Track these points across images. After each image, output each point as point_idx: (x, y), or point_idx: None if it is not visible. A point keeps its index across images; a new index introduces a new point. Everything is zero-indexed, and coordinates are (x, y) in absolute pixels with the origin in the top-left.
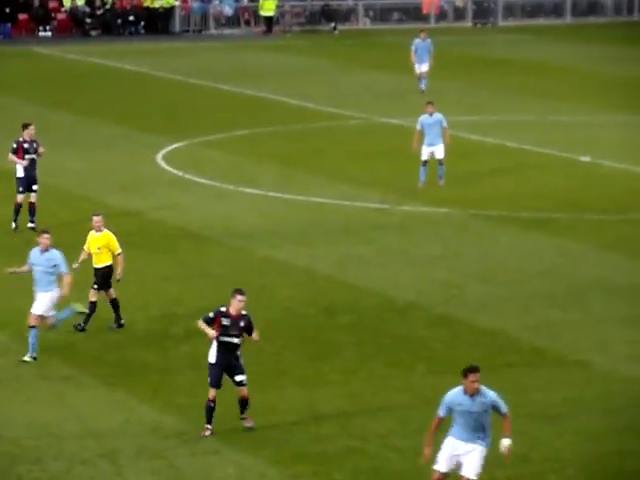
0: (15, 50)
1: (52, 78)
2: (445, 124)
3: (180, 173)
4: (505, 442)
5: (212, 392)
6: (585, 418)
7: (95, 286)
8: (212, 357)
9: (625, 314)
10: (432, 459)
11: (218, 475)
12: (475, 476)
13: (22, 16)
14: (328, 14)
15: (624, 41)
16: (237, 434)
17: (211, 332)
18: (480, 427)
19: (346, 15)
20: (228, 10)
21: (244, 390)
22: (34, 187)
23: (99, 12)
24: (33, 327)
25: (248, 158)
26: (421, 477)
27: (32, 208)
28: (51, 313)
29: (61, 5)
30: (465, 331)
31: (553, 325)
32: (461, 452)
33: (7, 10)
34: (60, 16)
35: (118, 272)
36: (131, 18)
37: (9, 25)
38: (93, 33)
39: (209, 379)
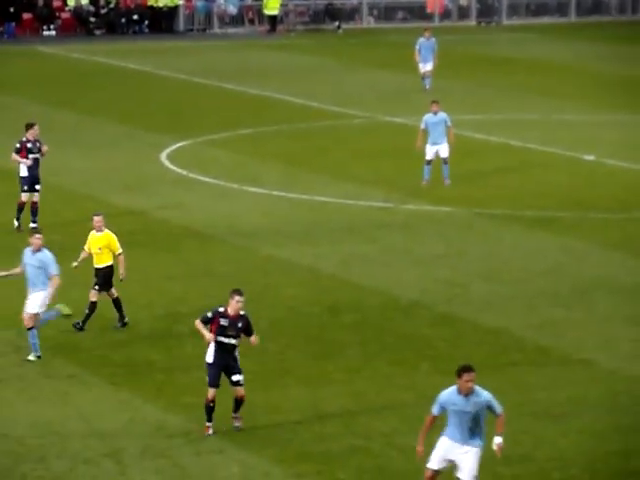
0: (19, 49)
1: (56, 77)
2: (449, 123)
3: (184, 172)
4: (497, 440)
5: (211, 392)
6: (589, 417)
7: (96, 287)
8: (210, 357)
9: (629, 313)
10: (425, 457)
11: (222, 474)
12: (472, 479)
13: (26, 15)
14: (332, 13)
15: (628, 40)
16: (241, 433)
17: (208, 336)
18: (474, 427)
19: (350, 14)
20: (232, 9)
21: (241, 390)
22: (37, 187)
23: (103, 11)
24: (31, 328)
25: (252, 157)
26: (424, 476)
27: (34, 208)
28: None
29: (65, 4)
30: (469, 330)
31: (557, 324)
32: (455, 454)
33: (11, 9)
34: (64, 15)
35: (121, 272)
36: (135, 17)
37: (13, 24)
38: (97, 32)
39: (207, 379)
